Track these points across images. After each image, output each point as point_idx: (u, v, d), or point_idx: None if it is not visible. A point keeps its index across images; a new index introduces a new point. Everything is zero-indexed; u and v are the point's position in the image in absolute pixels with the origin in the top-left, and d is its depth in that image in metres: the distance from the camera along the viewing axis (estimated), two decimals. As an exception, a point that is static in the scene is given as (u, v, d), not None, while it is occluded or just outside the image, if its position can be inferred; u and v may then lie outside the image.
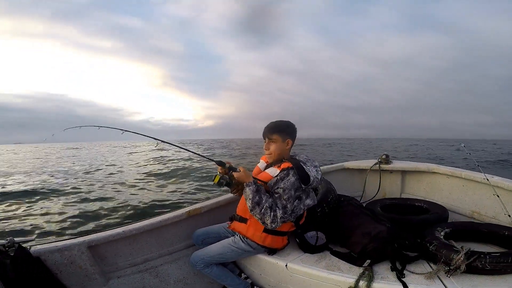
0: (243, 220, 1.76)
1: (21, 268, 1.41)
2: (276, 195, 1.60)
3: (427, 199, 2.57)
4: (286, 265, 1.64)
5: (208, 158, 1.81)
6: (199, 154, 1.90)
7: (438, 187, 2.72)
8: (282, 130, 1.73)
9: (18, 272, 1.39)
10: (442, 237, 1.68)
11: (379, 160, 3.05)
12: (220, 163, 1.69)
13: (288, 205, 1.57)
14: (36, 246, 1.58)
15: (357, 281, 1.41)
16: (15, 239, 1.48)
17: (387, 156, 3.06)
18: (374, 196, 2.88)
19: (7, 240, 1.46)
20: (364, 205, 2.36)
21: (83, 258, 1.67)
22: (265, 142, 1.76)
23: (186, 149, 2.03)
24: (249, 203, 1.57)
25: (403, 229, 1.84)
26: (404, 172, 2.99)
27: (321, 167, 3.00)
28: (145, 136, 1.97)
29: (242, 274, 1.93)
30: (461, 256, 1.42)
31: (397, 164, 3.00)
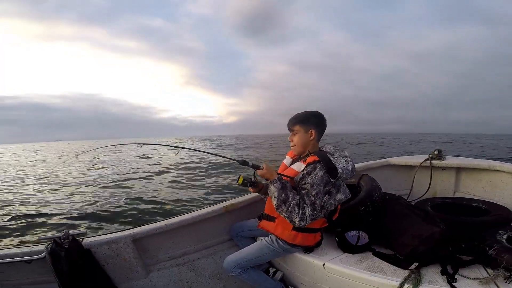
0: (271, 218, 1.70)
1: (74, 259, 1.54)
2: (304, 191, 1.49)
3: (486, 200, 2.30)
4: (323, 265, 1.58)
5: (232, 159, 1.74)
6: (223, 156, 1.89)
7: (500, 187, 2.41)
8: (303, 120, 1.65)
9: (71, 264, 1.51)
10: (504, 240, 1.50)
11: (430, 155, 2.79)
12: (243, 163, 1.61)
13: (317, 201, 1.46)
14: (87, 239, 1.72)
15: (402, 284, 1.31)
16: (70, 232, 1.63)
17: (439, 151, 2.78)
18: (423, 195, 2.65)
19: (63, 232, 1.60)
20: (412, 204, 2.20)
21: (128, 250, 1.78)
22: (290, 134, 1.71)
23: (208, 153, 2.01)
24: (274, 201, 1.49)
25: (458, 231, 1.68)
26: (459, 170, 2.70)
27: (364, 163, 2.85)
28: (166, 145, 2.09)
29: (270, 269, 1.90)
30: (527, 263, 1.26)
31: (451, 161, 2.72)
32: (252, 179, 1.60)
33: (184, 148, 1.93)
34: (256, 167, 1.59)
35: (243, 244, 1.97)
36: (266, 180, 1.57)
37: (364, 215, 1.89)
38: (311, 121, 1.65)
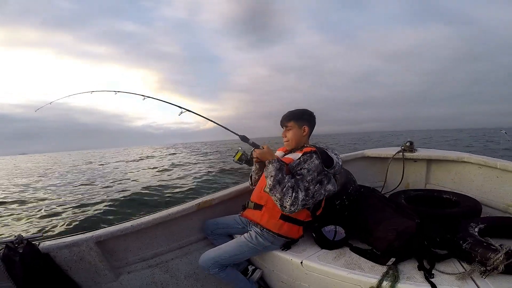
0: (257, 206, 1.68)
1: (30, 265, 1.41)
2: (299, 177, 1.52)
3: (455, 191, 2.36)
4: (301, 262, 1.53)
5: (232, 131, 1.73)
6: (223, 127, 1.77)
7: (468, 178, 2.49)
8: (297, 117, 1.72)
9: (27, 269, 1.38)
10: (476, 233, 1.51)
11: (403, 147, 2.83)
12: (243, 138, 1.65)
13: (311, 187, 1.50)
14: (44, 243, 1.57)
15: (380, 281, 1.28)
16: (23, 235, 1.47)
17: (411, 143, 2.82)
18: (397, 187, 2.68)
19: (15, 237, 1.45)
20: (387, 196, 2.20)
21: (91, 254, 1.65)
22: (283, 130, 1.76)
23: (211, 120, 1.86)
24: (270, 181, 1.48)
25: (431, 223, 1.68)
26: (430, 161, 2.77)
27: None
28: (169, 103, 1.91)
29: (250, 267, 1.85)
30: (501, 256, 1.25)
31: (422, 152, 2.78)
32: (249, 157, 1.64)
33: (188, 110, 1.83)
34: (255, 146, 1.62)
35: (219, 242, 1.88)
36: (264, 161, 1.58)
37: (340, 209, 1.85)
38: (304, 117, 1.73)
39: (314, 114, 1.77)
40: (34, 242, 1.52)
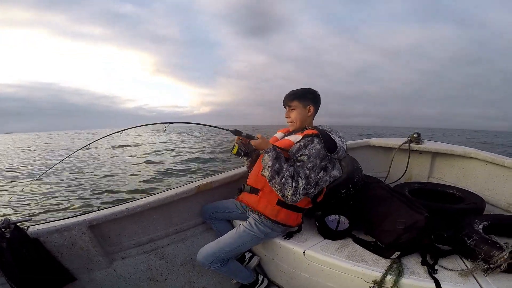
0: (254, 190, 1.60)
1: (19, 250, 1.33)
2: (299, 164, 1.41)
3: (459, 186, 2.34)
4: (304, 252, 1.51)
5: (224, 129, 1.70)
6: (214, 126, 1.76)
7: (472, 174, 2.47)
8: (301, 96, 1.60)
9: (16, 255, 1.31)
10: (481, 230, 1.50)
11: (409, 138, 2.79)
12: (236, 132, 1.59)
13: (312, 175, 1.39)
14: (34, 227, 1.49)
15: (384, 275, 1.27)
16: (10, 219, 1.39)
17: (418, 134, 2.79)
18: (400, 178, 2.67)
19: (1, 220, 1.36)
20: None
21: (84, 238, 1.58)
22: (286, 111, 1.64)
23: (200, 124, 1.84)
24: (267, 172, 1.40)
25: (436, 218, 1.67)
26: (435, 154, 2.74)
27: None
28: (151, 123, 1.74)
29: (246, 253, 1.82)
30: (505, 254, 1.25)
31: (429, 145, 2.74)
32: (246, 150, 1.61)
33: (174, 122, 1.75)
34: (250, 138, 1.56)
35: (218, 227, 1.87)
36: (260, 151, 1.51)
37: (345, 198, 1.83)
38: (309, 96, 1.61)
39: (319, 93, 1.64)
40: (22, 227, 1.44)
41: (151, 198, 1.80)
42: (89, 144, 1.76)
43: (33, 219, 1.59)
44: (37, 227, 1.50)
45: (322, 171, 1.45)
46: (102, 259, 1.66)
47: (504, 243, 1.31)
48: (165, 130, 1.59)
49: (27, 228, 1.46)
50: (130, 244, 1.79)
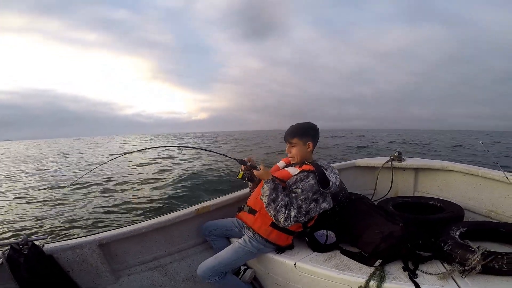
0: (252, 211, 1.77)
1: (35, 266, 1.45)
2: (293, 195, 1.61)
3: (441, 198, 2.49)
4: (294, 264, 1.62)
5: (231, 158, 1.85)
6: (223, 155, 1.95)
7: (453, 185, 2.63)
8: (301, 133, 1.77)
9: (31, 271, 1.42)
10: (457, 236, 1.62)
11: (391, 157, 2.98)
12: (242, 162, 1.76)
13: (303, 206, 1.58)
14: (49, 244, 1.63)
15: (368, 281, 1.38)
16: (29, 238, 1.52)
17: (399, 153, 2.98)
18: (386, 195, 2.81)
19: (21, 238, 1.50)
20: (376, 203, 2.31)
21: (94, 256, 1.71)
22: (287, 146, 1.81)
23: (212, 151, 2.08)
24: (265, 199, 1.59)
25: (417, 228, 1.78)
26: (417, 170, 2.91)
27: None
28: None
29: (242, 266, 1.91)
30: (477, 257, 1.36)
31: (410, 162, 2.92)
32: (250, 175, 1.78)
33: (189, 147, 1.98)
34: (253, 167, 1.71)
35: (217, 244, 1.99)
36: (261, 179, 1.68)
37: (331, 214, 1.95)
38: (309, 133, 1.78)
39: (317, 127, 1.81)
40: (39, 244, 1.57)
41: (154, 220, 1.95)
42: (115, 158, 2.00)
43: (48, 238, 1.71)
44: (52, 244, 1.63)
45: (313, 203, 1.63)
46: (109, 275, 1.78)
47: (478, 247, 1.43)
48: (181, 153, 1.80)
49: (43, 246, 1.60)
50: (135, 262, 1.92)
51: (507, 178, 1.95)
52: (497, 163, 2.04)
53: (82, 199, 6.13)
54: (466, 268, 1.37)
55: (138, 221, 1.99)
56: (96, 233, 1.80)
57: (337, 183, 1.71)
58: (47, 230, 4.28)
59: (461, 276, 1.35)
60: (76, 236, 1.80)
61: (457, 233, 1.66)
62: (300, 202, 1.58)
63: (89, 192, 6.72)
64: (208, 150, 2.18)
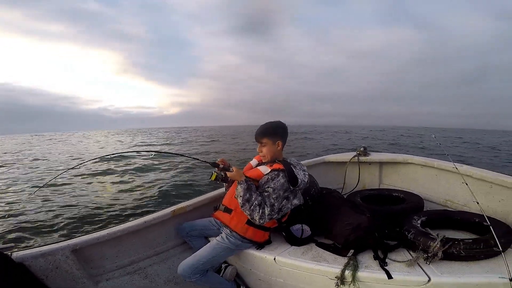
0: (227, 210, 1.82)
1: (4, 275, 1.38)
2: (266, 194, 1.68)
3: (403, 189, 2.68)
4: (274, 259, 1.68)
5: (203, 161, 1.93)
6: (196, 159, 2.01)
7: (413, 177, 2.85)
8: (270, 133, 1.83)
9: (1, 280, 1.35)
10: (419, 225, 1.77)
11: (358, 152, 3.15)
12: (214, 165, 1.81)
13: (276, 204, 1.66)
14: (18, 252, 1.53)
15: (343, 271, 1.46)
16: None
17: (365, 148, 3.16)
18: (354, 188, 2.97)
19: None
20: (345, 197, 2.43)
21: (68, 262, 1.64)
22: (258, 145, 1.86)
23: (182, 155, 2.20)
24: (240, 200, 1.65)
25: (383, 218, 1.91)
26: (381, 164, 3.11)
27: (303, 161, 3.07)
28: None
29: (223, 264, 1.94)
30: (437, 243, 1.50)
31: (374, 156, 3.11)
32: (223, 176, 1.78)
33: (161, 152, 1.95)
34: (226, 169, 1.76)
35: (196, 244, 1.98)
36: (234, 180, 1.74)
37: (305, 209, 2.03)
38: (278, 132, 1.84)
39: (286, 125, 1.88)
40: (6, 252, 1.48)
41: (129, 224, 1.91)
42: (79, 165, 1.90)
43: (15, 245, 1.60)
44: (21, 252, 1.54)
45: (285, 200, 1.71)
46: (87, 281, 1.72)
47: (437, 234, 1.57)
48: (151, 157, 1.76)
49: (11, 254, 1.50)
50: (113, 267, 1.86)
51: (456, 168, 2.15)
52: (447, 154, 2.21)
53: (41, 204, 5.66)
54: (429, 254, 1.50)
55: (112, 226, 1.92)
56: (68, 239, 1.72)
57: (306, 180, 1.79)
58: (12, 238, 3.96)
59: (426, 263, 1.48)
60: (47, 243, 1.71)
61: (419, 222, 1.82)
62: (273, 201, 1.66)
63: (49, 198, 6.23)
64: (179, 155, 2.22)
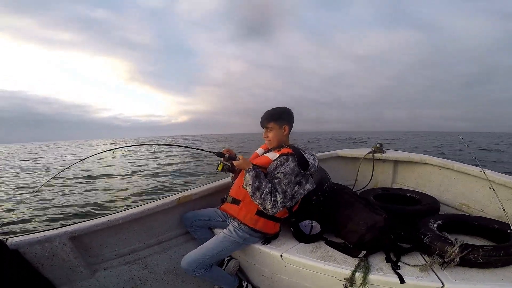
0: (235, 201, 1.75)
1: None
2: (276, 180, 1.60)
3: (418, 190, 2.59)
4: (281, 255, 1.62)
5: (208, 151, 1.87)
6: (200, 149, 1.96)
7: (429, 178, 2.74)
8: (276, 117, 1.77)
9: None
10: (435, 229, 1.69)
11: (373, 149, 3.05)
12: (219, 154, 1.77)
13: (288, 190, 1.58)
14: (13, 238, 1.48)
15: (354, 273, 1.40)
16: None
17: (380, 145, 3.05)
18: (367, 185, 2.88)
19: None
20: (357, 194, 2.35)
21: (65, 250, 1.59)
22: (264, 131, 1.80)
23: (186, 146, 2.15)
24: (249, 189, 1.57)
25: (396, 219, 1.84)
26: (396, 162, 3.00)
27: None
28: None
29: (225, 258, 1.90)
30: (456, 249, 1.42)
31: (390, 154, 3.01)
32: (230, 166, 1.76)
33: (161, 144, 1.99)
34: (232, 158, 1.71)
35: (200, 235, 1.94)
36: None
37: (316, 204, 1.96)
38: (284, 117, 1.79)
39: (292, 111, 1.83)
40: (1, 238, 1.44)
41: (132, 210, 1.84)
42: (83, 159, 1.90)
43: (11, 231, 1.58)
44: (17, 238, 1.49)
45: (297, 186, 1.63)
46: (84, 269, 1.67)
47: (455, 239, 1.49)
48: (154, 151, 1.72)
49: (6, 240, 1.45)
50: (112, 255, 1.81)
51: (484, 173, 2.04)
52: (475, 158, 2.12)
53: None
54: (446, 260, 1.43)
55: (113, 212, 1.87)
56: (67, 225, 1.66)
57: (316, 164, 1.73)
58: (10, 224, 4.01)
59: (441, 268, 1.41)
60: (44, 229, 1.65)
61: (435, 225, 1.73)
62: (284, 187, 1.58)
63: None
64: (182, 146, 2.15)
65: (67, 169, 2.00)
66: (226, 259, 1.89)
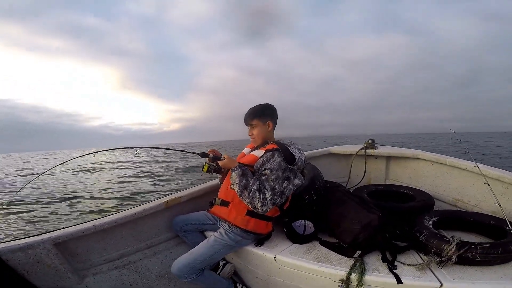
0: (224, 203, 1.70)
1: None
2: (264, 177, 1.56)
3: (411, 186, 2.55)
4: (274, 257, 1.56)
5: (192, 153, 1.84)
6: (182, 151, 1.94)
7: (422, 174, 2.71)
8: (260, 114, 1.75)
9: None
10: (431, 226, 1.64)
11: (365, 145, 3.00)
12: (203, 155, 1.74)
13: (277, 186, 1.54)
14: None
15: (349, 274, 1.35)
16: None
17: (372, 141, 3.01)
18: (360, 182, 2.84)
19: None
20: (350, 191, 2.30)
21: (50, 256, 1.54)
22: (248, 129, 1.79)
23: (169, 149, 2.13)
24: (236, 188, 1.53)
25: (390, 216, 1.79)
26: (389, 158, 2.96)
27: (307, 152, 2.93)
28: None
29: (221, 261, 1.85)
30: (453, 247, 1.38)
31: (382, 150, 2.96)
32: (216, 167, 1.71)
33: (143, 147, 1.90)
34: (217, 158, 1.68)
35: (191, 239, 1.88)
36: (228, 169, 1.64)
37: (309, 203, 1.91)
38: (267, 113, 1.77)
39: (275, 107, 1.81)
40: None
41: (118, 215, 1.80)
42: (61, 164, 1.87)
43: None
44: None
45: (285, 181, 1.59)
46: (72, 275, 1.63)
47: (451, 236, 1.45)
48: (135, 155, 1.66)
49: None
50: (100, 261, 1.76)
51: (478, 167, 2.01)
52: (468, 152, 2.09)
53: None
54: (443, 258, 1.38)
55: (99, 217, 1.82)
56: (50, 231, 1.61)
57: (303, 158, 1.70)
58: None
59: (438, 267, 1.37)
60: (28, 235, 1.60)
61: (430, 222, 1.69)
62: (272, 183, 1.53)
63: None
64: (164, 148, 2.09)
65: (31, 182, 1.97)
66: (221, 263, 1.84)
